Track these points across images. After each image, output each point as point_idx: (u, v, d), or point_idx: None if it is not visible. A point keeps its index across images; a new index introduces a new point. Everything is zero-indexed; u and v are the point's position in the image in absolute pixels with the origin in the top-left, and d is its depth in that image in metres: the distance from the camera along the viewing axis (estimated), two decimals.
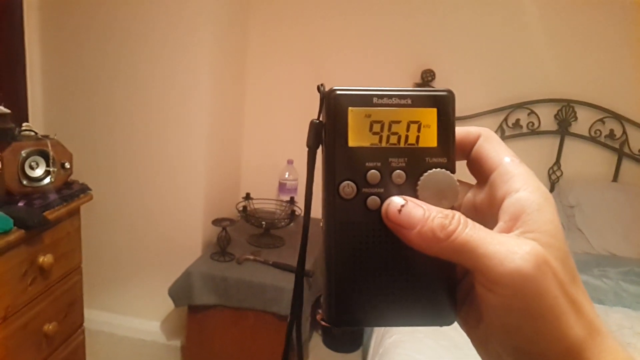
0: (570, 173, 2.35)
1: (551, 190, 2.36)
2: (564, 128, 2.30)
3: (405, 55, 2.36)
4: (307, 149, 0.33)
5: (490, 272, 0.26)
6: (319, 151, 0.33)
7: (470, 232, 0.27)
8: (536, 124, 2.32)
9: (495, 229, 0.28)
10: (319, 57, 2.44)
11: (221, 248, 2.06)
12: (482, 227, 0.28)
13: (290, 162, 2.45)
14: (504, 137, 2.33)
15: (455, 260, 0.28)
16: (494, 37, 2.30)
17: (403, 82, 2.36)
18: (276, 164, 2.50)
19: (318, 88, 0.32)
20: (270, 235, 2.23)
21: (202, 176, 2.20)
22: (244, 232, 2.26)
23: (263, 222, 2.19)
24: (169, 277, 2.03)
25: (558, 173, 2.35)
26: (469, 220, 0.28)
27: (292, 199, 2.37)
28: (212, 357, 2.03)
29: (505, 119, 2.33)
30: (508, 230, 0.28)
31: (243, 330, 1.98)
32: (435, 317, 0.31)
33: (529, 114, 2.32)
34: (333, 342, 2.36)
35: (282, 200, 2.41)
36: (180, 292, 1.95)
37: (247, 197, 2.31)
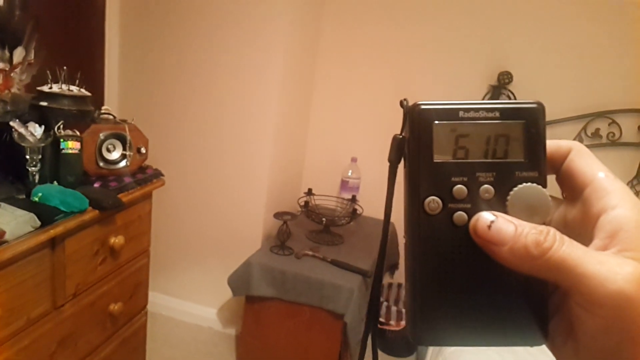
0: None
1: None
2: None
3: (481, 56, 2.26)
4: (388, 163, 0.33)
5: (590, 293, 0.25)
6: (401, 166, 0.32)
7: (568, 249, 0.26)
8: (617, 135, 2.18)
9: (591, 246, 0.27)
10: (387, 57, 2.38)
11: (281, 241, 2.06)
12: (579, 244, 0.27)
13: (354, 160, 2.41)
14: None
15: (549, 279, 0.27)
16: (575, 40, 2.16)
17: (478, 84, 2.26)
18: (339, 161, 2.47)
19: (401, 103, 0.32)
20: (329, 232, 2.22)
21: (267, 170, 2.21)
22: (304, 227, 2.25)
23: (323, 219, 2.18)
24: (228, 266, 2.06)
25: (638, 188, 2.20)
26: (565, 237, 0.27)
27: (353, 197, 2.34)
28: (266, 348, 2.04)
29: (584, 128, 2.20)
30: (604, 248, 0.27)
31: (298, 324, 1.97)
32: (524, 337, 0.30)
33: (610, 124, 2.18)
34: (386, 345, 2.32)
35: (343, 198, 2.38)
36: (239, 282, 1.97)
37: (309, 192, 2.30)
